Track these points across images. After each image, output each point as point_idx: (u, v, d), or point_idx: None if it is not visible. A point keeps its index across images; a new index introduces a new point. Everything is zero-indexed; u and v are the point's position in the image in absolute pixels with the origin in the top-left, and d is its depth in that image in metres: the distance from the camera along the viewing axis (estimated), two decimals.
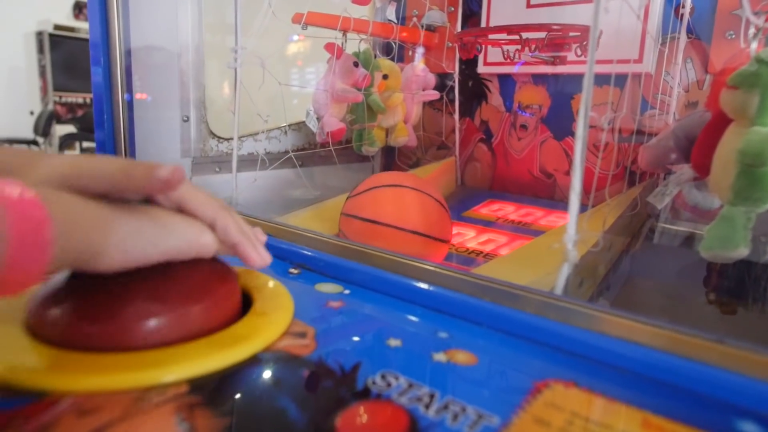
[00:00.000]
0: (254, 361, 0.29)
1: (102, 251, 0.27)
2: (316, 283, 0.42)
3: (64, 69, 4.89)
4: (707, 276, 0.65)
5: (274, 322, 0.33)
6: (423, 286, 0.39)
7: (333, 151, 0.80)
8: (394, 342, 0.32)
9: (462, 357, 0.31)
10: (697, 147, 0.53)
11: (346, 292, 0.41)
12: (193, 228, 0.32)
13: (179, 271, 0.31)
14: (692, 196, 0.58)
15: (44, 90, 4.90)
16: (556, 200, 0.92)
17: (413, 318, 0.37)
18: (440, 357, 0.31)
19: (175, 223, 0.31)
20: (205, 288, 0.31)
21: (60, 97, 4.91)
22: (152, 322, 0.28)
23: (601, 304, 0.50)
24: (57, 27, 4.89)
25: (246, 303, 0.35)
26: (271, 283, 0.39)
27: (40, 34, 4.87)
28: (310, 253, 0.46)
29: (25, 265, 0.22)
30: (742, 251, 0.45)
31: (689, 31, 0.79)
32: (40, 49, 4.86)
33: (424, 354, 0.31)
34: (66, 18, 5.11)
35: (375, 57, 0.87)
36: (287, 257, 0.47)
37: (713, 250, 0.45)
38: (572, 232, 0.38)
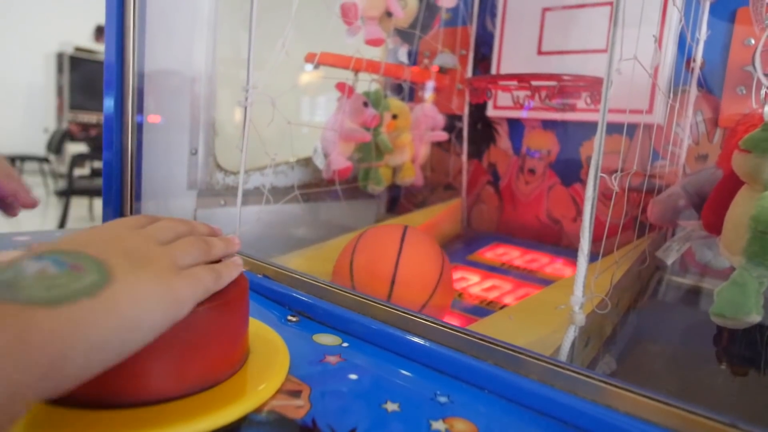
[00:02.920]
0: (244, 424, 0.28)
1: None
2: (314, 334, 0.41)
3: (81, 89, 4.99)
4: (717, 334, 0.64)
5: (268, 379, 0.31)
6: (424, 342, 0.38)
7: (339, 189, 0.79)
8: (391, 406, 0.31)
9: (462, 426, 0.30)
10: (708, 206, 0.52)
11: (345, 345, 0.40)
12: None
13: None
14: (702, 254, 0.57)
15: (60, 109, 5.00)
16: (562, 247, 0.91)
17: (412, 376, 0.36)
18: (439, 426, 0.30)
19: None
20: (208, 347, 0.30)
21: (75, 116, 5.00)
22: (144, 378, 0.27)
23: (606, 371, 0.48)
24: (78, 49, 5.02)
25: None
26: (268, 334, 0.38)
27: (60, 55, 4.99)
28: (310, 301, 0.45)
29: None
30: (755, 318, 0.43)
31: (700, 85, 0.79)
32: (60, 69, 4.98)
33: (422, 421, 0.30)
34: (87, 40, 5.25)
35: (385, 97, 0.87)
36: (287, 303, 0.46)
37: (724, 316, 0.44)
38: (579, 293, 0.37)
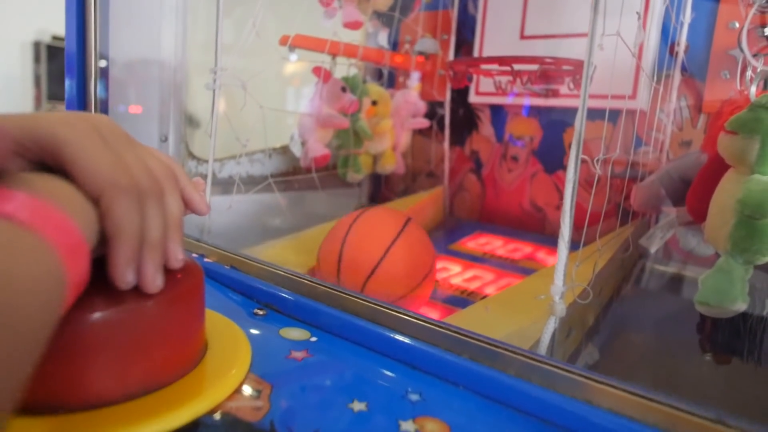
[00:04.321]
0: (195, 428, 0.26)
1: None
2: (281, 328, 0.39)
3: (59, 79, 4.86)
4: (700, 322, 0.63)
5: (224, 377, 0.29)
6: (396, 336, 0.36)
7: (316, 177, 0.77)
8: (358, 405, 0.29)
9: (433, 427, 0.28)
10: (692, 191, 0.51)
11: (313, 339, 0.37)
12: None
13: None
14: (687, 241, 0.55)
15: (38, 99, 4.87)
16: (545, 235, 0.89)
17: (384, 372, 0.34)
18: (408, 426, 0.28)
19: None
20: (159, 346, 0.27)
21: (53, 106, 4.87)
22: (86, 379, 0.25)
23: (588, 362, 0.47)
24: (55, 37, 4.88)
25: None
26: (229, 329, 0.35)
27: (37, 44, 4.85)
28: (278, 292, 0.42)
29: (76, 290, 0.23)
30: (740, 306, 0.42)
31: (684, 69, 0.77)
32: (37, 59, 4.84)
33: (390, 422, 0.28)
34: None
35: (365, 82, 0.85)
36: (254, 296, 0.44)
37: (709, 304, 0.43)
38: (560, 283, 0.35)
